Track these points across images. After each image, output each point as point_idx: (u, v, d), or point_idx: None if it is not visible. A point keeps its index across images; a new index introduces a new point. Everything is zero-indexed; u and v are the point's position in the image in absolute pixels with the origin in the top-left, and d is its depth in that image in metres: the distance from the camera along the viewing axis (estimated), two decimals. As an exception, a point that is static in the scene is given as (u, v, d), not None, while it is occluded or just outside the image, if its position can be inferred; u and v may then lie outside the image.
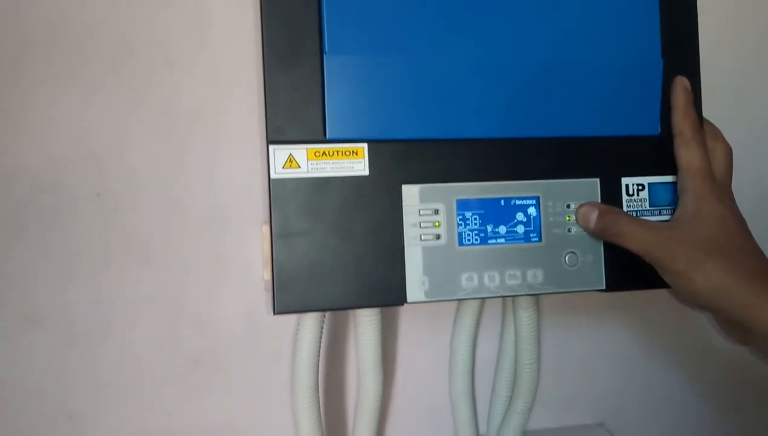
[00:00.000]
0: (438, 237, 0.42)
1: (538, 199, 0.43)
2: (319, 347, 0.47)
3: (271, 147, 0.40)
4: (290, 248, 0.40)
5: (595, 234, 0.43)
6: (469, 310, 0.54)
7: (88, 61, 0.50)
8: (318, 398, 0.48)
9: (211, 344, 0.53)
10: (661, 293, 0.46)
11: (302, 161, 0.40)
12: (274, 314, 0.40)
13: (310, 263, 0.40)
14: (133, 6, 0.50)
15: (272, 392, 0.53)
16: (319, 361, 0.48)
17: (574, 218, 0.44)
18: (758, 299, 0.39)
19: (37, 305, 0.50)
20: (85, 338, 0.51)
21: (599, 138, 0.44)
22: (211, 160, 0.52)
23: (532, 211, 0.43)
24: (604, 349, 0.60)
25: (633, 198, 0.45)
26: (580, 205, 0.43)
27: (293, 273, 0.40)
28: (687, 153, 0.43)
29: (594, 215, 0.43)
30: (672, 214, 0.44)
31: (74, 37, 0.50)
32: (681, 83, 0.44)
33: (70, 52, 0.50)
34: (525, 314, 0.50)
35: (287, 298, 0.40)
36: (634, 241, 0.41)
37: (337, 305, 0.41)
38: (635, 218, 0.43)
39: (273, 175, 0.40)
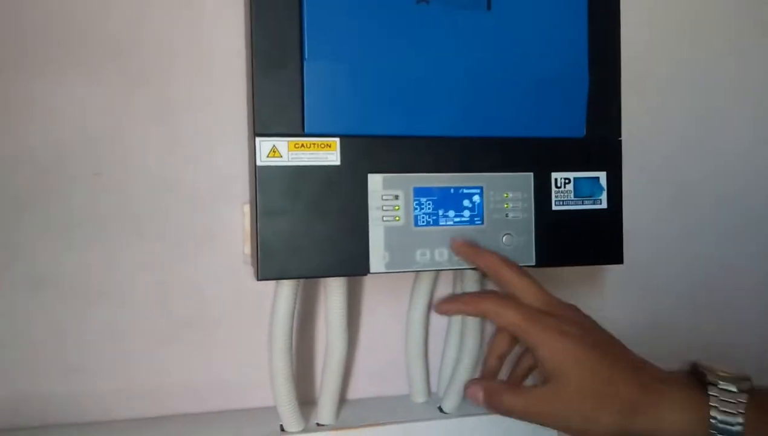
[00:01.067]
0: (397, 219, 0.49)
1: (482, 188, 0.50)
2: (294, 311, 0.53)
3: (258, 139, 0.46)
4: (273, 225, 0.46)
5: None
6: (425, 283, 0.61)
7: (88, 52, 0.54)
8: (291, 355, 0.54)
9: (198, 309, 0.58)
10: (584, 269, 0.53)
11: (284, 152, 0.46)
12: (258, 279, 0.46)
13: (289, 237, 0.46)
14: (132, 3, 0.55)
15: (252, 351, 0.59)
16: (293, 324, 0.53)
17: (511, 205, 0.51)
18: (659, 413, 0.40)
19: (40, 271, 0.54)
20: (85, 302, 0.55)
21: (534, 138, 0.52)
22: (198, 145, 0.57)
23: (476, 198, 0.50)
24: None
25: (561, 190, 0.52)
26: (467, 384, 0.45)
27: (275, 246, 0.46)
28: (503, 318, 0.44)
29: (480, 396, 0.44)
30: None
31: (75, 29, 0.54)
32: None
33: (72, 43, 0.54)
34: (471, 287, 0.58)
35: (269, 266, 0.46)
36: (526, 416, 0.43)
37: (311, 273, 0.47)
38: (518, 389, 0.44)
39: (259, 163, 0.46)
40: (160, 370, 0.57)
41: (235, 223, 0.58)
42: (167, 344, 0.57)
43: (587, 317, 0.47)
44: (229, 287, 0.58)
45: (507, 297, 0.46)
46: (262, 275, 0.46)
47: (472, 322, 0.59)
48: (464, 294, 0.48)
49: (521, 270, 0.47)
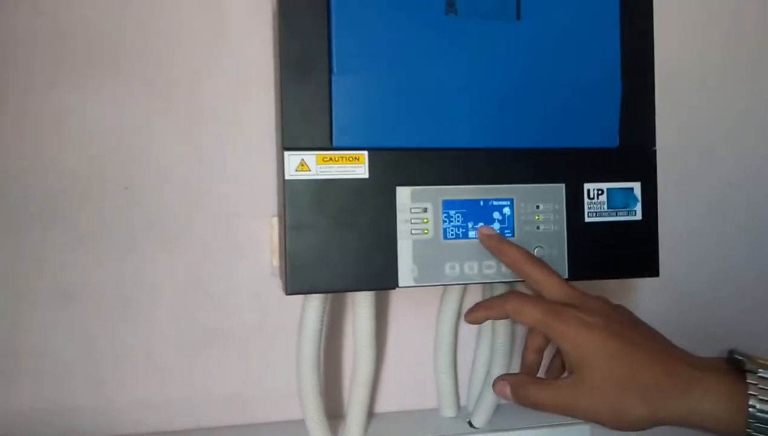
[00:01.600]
0: (426, 232, 0.48)
1: (512, 200, 0.49)
2: (322, 325, 0.53)
3: (286, 153, 0.46)
4: (301, 239, 0.46)
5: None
6: (453, 296, 0.60)
7: (119, 68, 0.55)
8: (320, 369, 0.54)
9: (224, 321, 0.58)
10: (618, 282, 0.51)
11: (312, 165, 0.46)
12: (287, 294, 0.46)
13: (317, 251, 0.46)
14: (161, 18, 0.56)
15: (278, 365, 0.58)
16: (321, 337, 0.53)
17: (542, 217, 0.50)
18: (691, 400, 0.39)
19: (69, 283, 0.55)
20: (112, 314, 0.55)
21: (566, 149, 0.50)
22: (226, 158, 0.57)
23: (507, 210, 0.49)
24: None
25: (593, 201, 0.51)
26: (495, 381, 0.45)
27: (303, 259, 0.46)
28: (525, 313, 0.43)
29: (507, 391, 0.44)
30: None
31: (107, 46, 0.55)
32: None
33: (104, 59, 0.55)
34: None
35: (298, 281, 0.46)
36: (555, 409, 0.42)
37: (339, 287, 0.47)
38: (544, 381, 0.43)
39: (287, 177, 0.46)
40: (185, 381, 0.57)
41: (260, 236, 0.58)
42: (193, 356, 0.57)
43: (617, 307, 0.45)
44: (255, 301, 0.58)
45: (528, 295, 0.45)
46: (291, 289, 0.46)
47: (503, 334, 0.58)
48: (488, 299, 0.47)
49: (544, 265, 0.46)
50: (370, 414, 0.60)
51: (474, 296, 0.62)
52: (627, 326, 0.43)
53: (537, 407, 0.43)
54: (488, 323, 0.60)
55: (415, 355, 0.62)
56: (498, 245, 0.48)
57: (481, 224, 0.49)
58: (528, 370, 0.48)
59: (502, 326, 0.58)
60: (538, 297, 0.45)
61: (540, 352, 0.48)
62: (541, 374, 0.48)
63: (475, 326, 0.62)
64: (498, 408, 0.60)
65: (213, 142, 0.57)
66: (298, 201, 0.46)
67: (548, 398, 0.42)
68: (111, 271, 0.55)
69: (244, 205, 0.58)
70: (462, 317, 0.61)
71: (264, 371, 0.59)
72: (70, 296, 0.55)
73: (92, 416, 0.56)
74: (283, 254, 0.47)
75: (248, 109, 0.57)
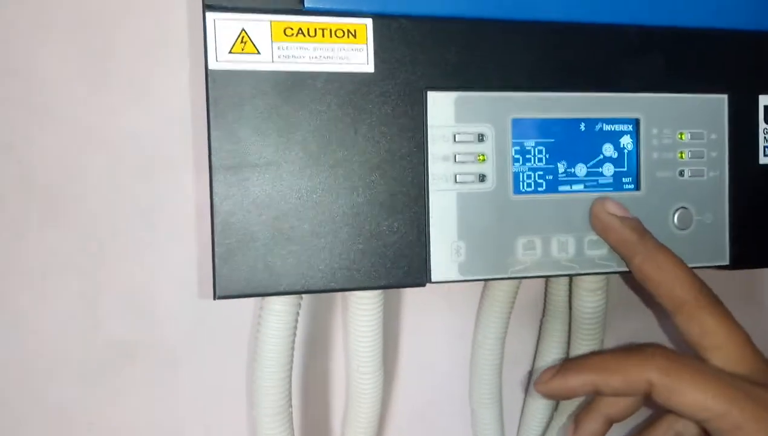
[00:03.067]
0: (482, 178, 0.29)
1: (636, 123, 0.30)
2: (293, 341, 0.35)
3: (210, 16, 0.26)
4: (241, 191, 0.26)
5: None
6: (502, 288, 0.40)
7: None
8: (290, 411, 0.37)
9: (144, 329, 0.42)
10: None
11: (263, 43, 0.26)
12: (215, 297, 0.27)
13: (273, 216, 0.27)
14: None
15: (231, 393, 0.43)
16: (292, 360, 0.36)
17: (688, 154, 0.30)
18: None
19: None
20: None
21: (730, 32, 0.32)
22: (140, 73, 0.39)
23: (627, 141, 0.30)
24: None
25: None
26: None
27: (246, 232, 0.26)
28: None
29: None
30: None
31: None
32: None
33: None
34: (590, 299, 0.36)
35: (235, 273, 0.26)
36: None
37: (315, 285, 0.28)
38: None
39: (212, 65, 0.26)
40: (90, 422, 0.42)
41: (197, 196, 0.41)
42: (100, 383, 0.42)
43: None
44: (191, 296, 0.42)
45: (688, 357, 0.29)
46: (221, 289, 0.27)
47: (587, 349, 0.39)
48: (595, 355, 0.30)
49: (720, 303, 0.29)
50: (372, 462, 0.44)
51: (531, 286, 0.43)
52: None
53: None
54: (558, 330, 0.41)
55: (441, 379, 0.46)
56: (643, 245, 0.29)
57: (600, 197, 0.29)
58: None
59: (587, 337, 0.38)
60: (703, 364, 0.29)
61: (611, 423, 0.32)
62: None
63: (531, 330, 0.44)
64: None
65: (119, 47, 0.39)
66: (236, 113, 0.26)
67: None
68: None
69: (167, 149, 0.41)
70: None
71: (204, 407, 0.43)
72: None
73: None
74: (211, 221, 0.26)
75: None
